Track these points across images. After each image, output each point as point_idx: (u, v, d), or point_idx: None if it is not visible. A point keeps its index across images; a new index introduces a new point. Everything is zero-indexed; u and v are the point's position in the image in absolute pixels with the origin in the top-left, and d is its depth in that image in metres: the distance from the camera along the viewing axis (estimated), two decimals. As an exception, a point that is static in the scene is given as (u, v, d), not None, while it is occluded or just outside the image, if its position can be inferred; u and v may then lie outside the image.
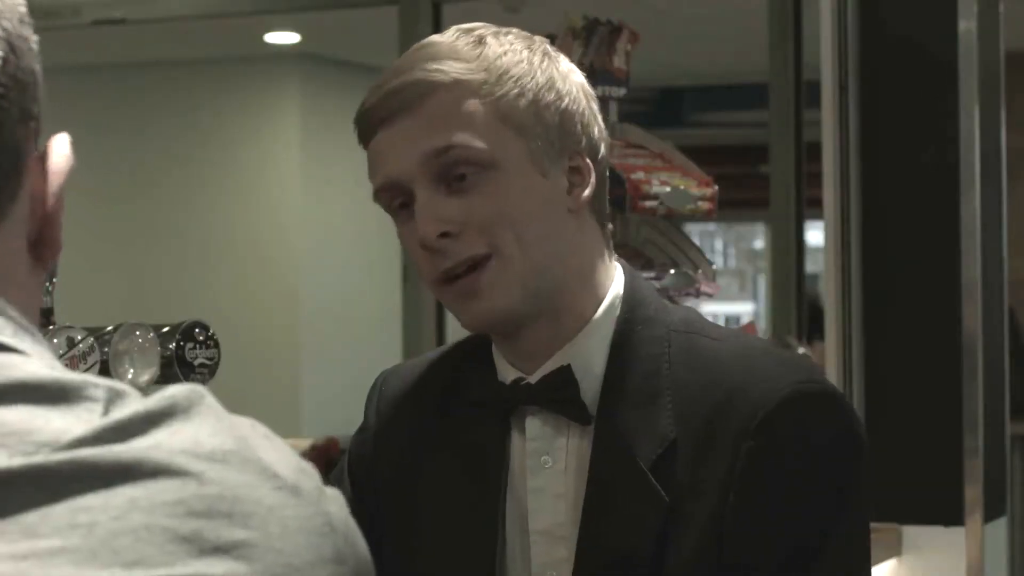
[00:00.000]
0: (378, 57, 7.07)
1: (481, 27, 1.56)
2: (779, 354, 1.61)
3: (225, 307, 7.04)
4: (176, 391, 0.74)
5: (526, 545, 1.55)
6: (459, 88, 1.50)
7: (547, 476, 1.54)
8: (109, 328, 1.88)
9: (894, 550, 3.25)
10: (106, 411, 0.73)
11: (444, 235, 1.49)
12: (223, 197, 7.57)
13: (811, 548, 1.46)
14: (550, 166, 1.52)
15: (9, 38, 0.84)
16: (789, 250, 4.39)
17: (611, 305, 1.56)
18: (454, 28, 1.56)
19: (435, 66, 1.51)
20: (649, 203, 2.69)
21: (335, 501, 0.76)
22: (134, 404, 0.74)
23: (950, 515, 3.20)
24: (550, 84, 1.53)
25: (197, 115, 7.60)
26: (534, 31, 1.63)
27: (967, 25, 3.16)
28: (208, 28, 6.58)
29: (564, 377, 1.53)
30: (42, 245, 0.88)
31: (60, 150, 0.90)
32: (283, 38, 7.13)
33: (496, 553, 1.56)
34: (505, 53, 1.53)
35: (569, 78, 1.56)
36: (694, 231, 10.14)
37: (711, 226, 11.21)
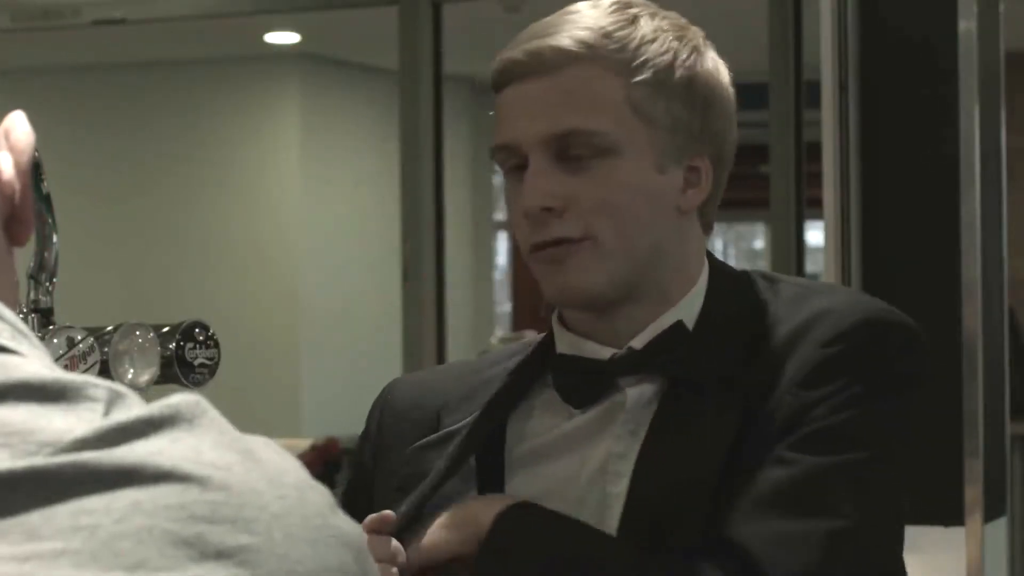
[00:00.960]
0: (378, 57, 7.08)
1: (639, 4, 1.54)
2: (857, 291, 1.66)
3: (225, 307, 7.05)
4: (180, 400, 0.74)
5: (605, 507, 1.53)
6: (599, 65, 1.49)
7: (629, 442, 1.52)
8: (109, 328, 1.88)
9: (894, 550, 3.25)
10: (107, 411, 0.73)
11: (546, 209, 1.49)
12: (223, 197, 7.57)
13: (858, 433, 1.47)
14: (669, 162, 1.51)
15: None
16: (789, 250, 4.39)
17: (701, 284, 1.57)
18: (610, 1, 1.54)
19: (582, 35, 1.49)
20: (649, 203, 2.69)
21: (346, 520, 0.75)
22: (136, 407, 0.74)
23: (950, 515, 3.20)
24: (689, 81, 1.52)
25: (197, 115, 7.60)
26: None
27: (967, 25, 3.16)
28: (208, 28, 6.58)
29: (678, 335, 1.53)
30: (15, 224, 0.87)
31: (21, 127, 0.88)
32: (283, 38, 7.13)
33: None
34: (654, 40, 1.51)
35: (713, 78, 1.54)
36: (694, 231, 10.12)
37: (711, 226, 11.20)
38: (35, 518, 0.68)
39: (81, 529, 0.68)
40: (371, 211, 7.53)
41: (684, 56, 1.52)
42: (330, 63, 7.52)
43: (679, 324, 1.53)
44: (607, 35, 1.49)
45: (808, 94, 4.26)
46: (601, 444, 1.54)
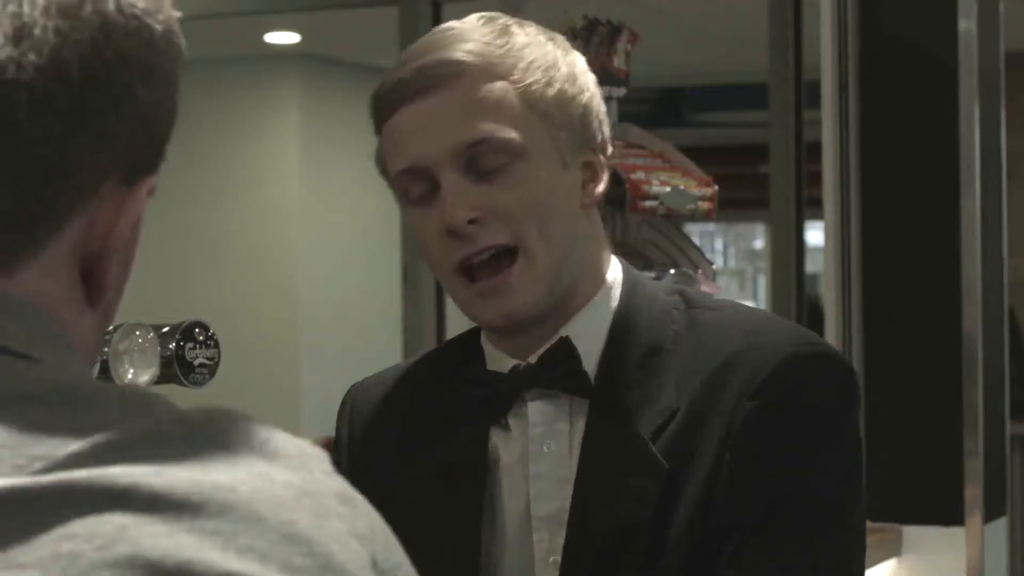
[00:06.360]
0: (378, 57, 7.07)
1: (503, 16, 1.56)
2: (779, 321, 1.61)
3: (225, 307, 7.04)
4: (202, 417, 0.71)
5: (527, 533, 1.53)
6: (490, 72, 1.49)
7: (549, 461, 1.53)
8: (109, 328, 1.88)
9: (894, 550, 3.25)
10: (119, 418, 0.71)
11: (471, 221, 1.48)
12: (223, 197, 7.57)
13: (806, 503, 1.46)
14: (570, 159, 1.52)
15: (100, 25, 0.77)
16: (789, 250, 4.38)
17: (610, 289, 1.57)
18: (475, 16, 1.56)
19: (466, 47, 1.50)
20: (649, 203, 2.69)
21: (376, 545, 0.73)
22: (148, 419, 0.71)
23: (950, 515, 3.20)
24: (573, 77, 1.53)
25: (197, 115, 7.59)
26: (534, 31, 1.63)
27: (967, 25, 3.16)
28: (208, 28, 6.58)
29: (564, 349, 1.53)
30: (90, 284, 0.82)
31: (145, 190, 0.84)
32: (283, 38, 7.13)
33: (482, 550, 1.54)
34: (530, 44, 1.52)
35: (587, 74, 1.57)
36: (694, 231, 10.14)
37: (711, 226, 11.21)
38: (17, 545, 0.66)
39: (61, 557, 0.66)
40: (371, 211, 7.53)
41: (561, 55, 1.54)
42: (330, 63, 7.52)
43: (566, 340, 1.53)
44: (489, 43, 1.51)
45: (808, 94, 4.26)
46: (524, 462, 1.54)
